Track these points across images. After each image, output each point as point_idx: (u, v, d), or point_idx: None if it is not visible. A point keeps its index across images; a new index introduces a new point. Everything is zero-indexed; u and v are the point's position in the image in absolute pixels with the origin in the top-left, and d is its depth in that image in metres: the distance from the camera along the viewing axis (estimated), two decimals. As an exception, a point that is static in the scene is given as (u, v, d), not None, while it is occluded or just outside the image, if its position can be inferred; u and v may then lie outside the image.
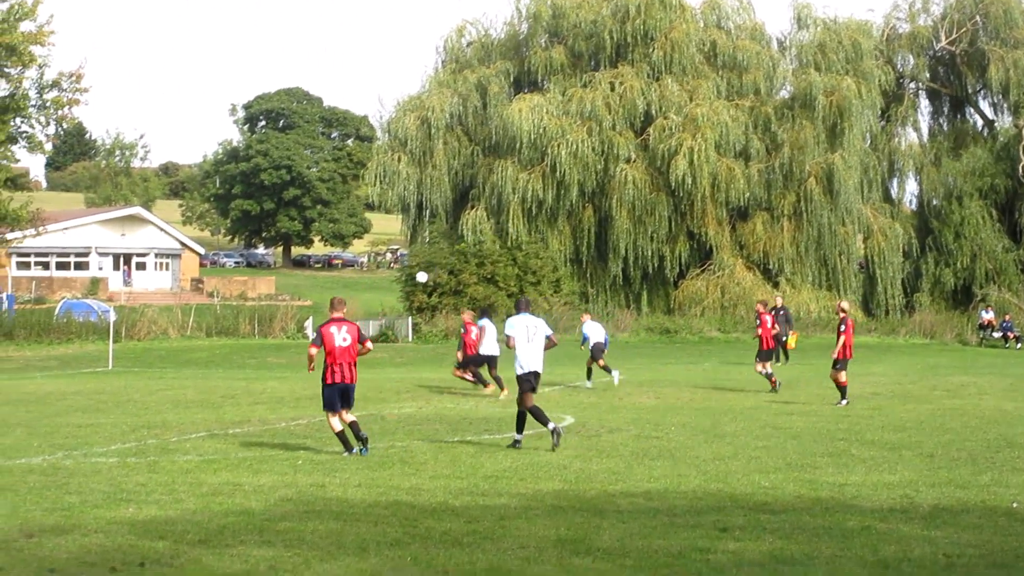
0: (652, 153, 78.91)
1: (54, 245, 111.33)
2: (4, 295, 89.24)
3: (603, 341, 40.40)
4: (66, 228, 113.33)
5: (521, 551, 12.96)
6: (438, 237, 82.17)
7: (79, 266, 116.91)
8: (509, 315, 23.62)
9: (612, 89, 79.64)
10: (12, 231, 70.94)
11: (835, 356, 31.50)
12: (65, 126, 76.18)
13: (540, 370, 22.40)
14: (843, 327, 31.60)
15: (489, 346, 35.33)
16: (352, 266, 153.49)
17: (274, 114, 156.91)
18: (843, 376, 31.41)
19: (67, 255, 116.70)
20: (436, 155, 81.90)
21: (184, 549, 13.04)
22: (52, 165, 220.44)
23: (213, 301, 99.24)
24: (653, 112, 79.46)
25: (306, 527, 14.29)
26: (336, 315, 21.30)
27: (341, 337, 21.07)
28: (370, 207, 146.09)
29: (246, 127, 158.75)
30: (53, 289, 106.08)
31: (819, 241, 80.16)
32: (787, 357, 48.91)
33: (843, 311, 32.35)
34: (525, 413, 22.09)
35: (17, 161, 69.49)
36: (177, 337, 69.26)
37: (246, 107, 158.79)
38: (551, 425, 21.71)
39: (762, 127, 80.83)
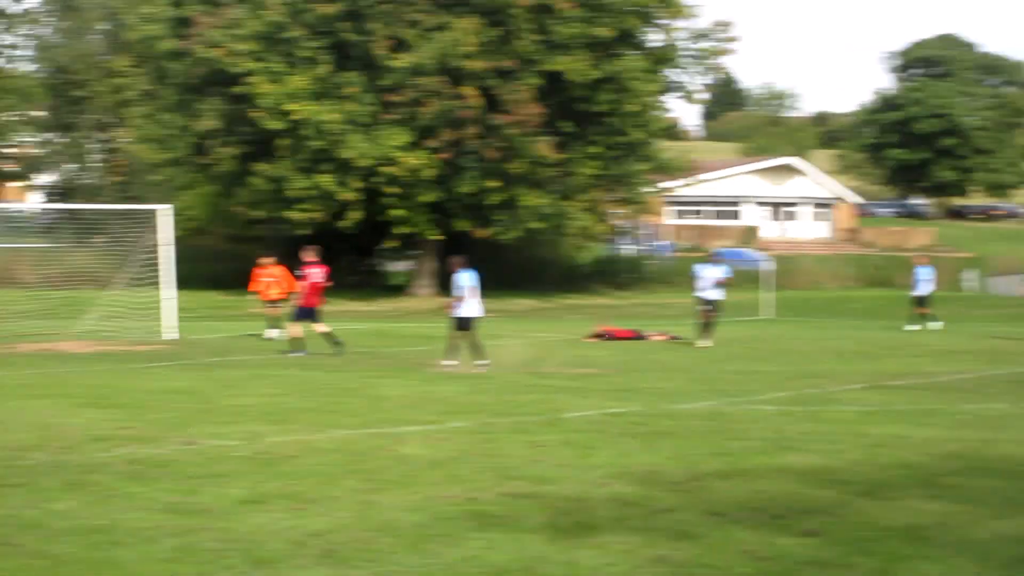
0: None
1: (708, 194, 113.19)
2: (663, 243, 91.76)
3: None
4: (720, 177, 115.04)
5: None
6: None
7: (732, 215, 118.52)
8: None
9: None
10: (667, 180, 72.58)
11: None
12: (716, 76, 77.08)
13: None
14: None
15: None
16: (1014, 217, 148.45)
17: (929, 61, 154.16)
18: None
19: (721, 204, 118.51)
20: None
21: (849, 499, 12.86)
22: (707, 115, 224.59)
23: (869, 251, 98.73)
24: None
25: (974, 483, 13.82)
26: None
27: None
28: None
29: (900, 75, 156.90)
30: (707, 238, 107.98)
31: None
32: None
33: None
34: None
35: (668, 111, 70.95)
36: (834, 287, 69.12)
37: (900, 54, 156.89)
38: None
39: None
